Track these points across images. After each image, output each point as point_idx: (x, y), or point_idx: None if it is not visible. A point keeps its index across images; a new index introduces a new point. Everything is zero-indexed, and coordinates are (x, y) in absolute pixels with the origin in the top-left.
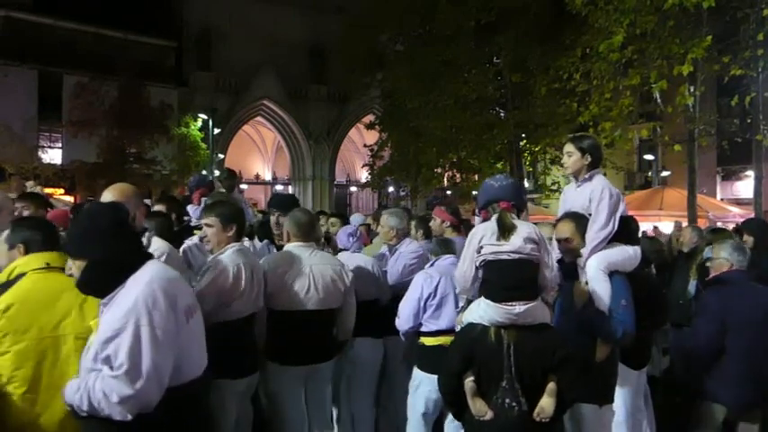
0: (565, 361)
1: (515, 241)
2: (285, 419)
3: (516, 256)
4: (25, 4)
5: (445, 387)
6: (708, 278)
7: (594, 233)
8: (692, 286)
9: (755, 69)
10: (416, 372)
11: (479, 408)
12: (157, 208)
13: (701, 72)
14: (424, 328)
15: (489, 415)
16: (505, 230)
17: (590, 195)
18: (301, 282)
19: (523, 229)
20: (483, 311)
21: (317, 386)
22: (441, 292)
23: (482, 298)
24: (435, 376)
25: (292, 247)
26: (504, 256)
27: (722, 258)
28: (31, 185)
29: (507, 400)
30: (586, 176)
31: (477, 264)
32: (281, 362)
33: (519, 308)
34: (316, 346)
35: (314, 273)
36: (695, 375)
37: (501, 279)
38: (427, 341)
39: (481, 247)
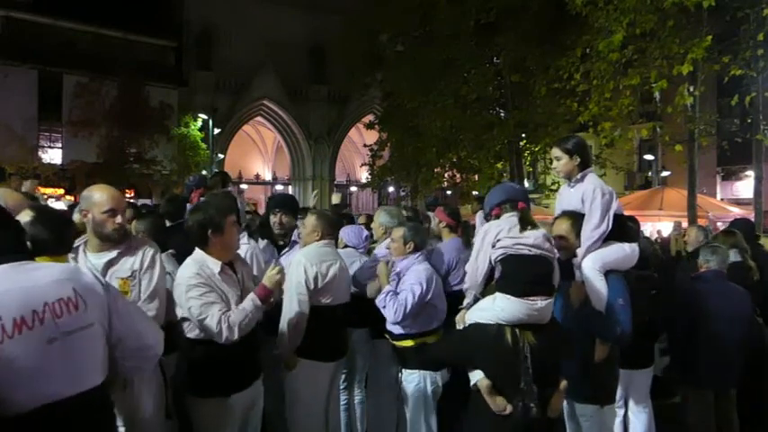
0: (568, 357)
1: (537, 235)
2: (311, 418)
3: (537, 251)
4: (25, 4)
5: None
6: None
7: (589, 232)
8: None
9: (755, 69)
10: (414, 372)
11: (499, 404)
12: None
13: (701, 72)
14: (407, 330)
15: (509, 409)
16: (527, 224)
17: (582, 196)
18: (341, 276)
19: (540, 229)
20: (501, 309)
21: (338, 382)
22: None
23: (498, 295)
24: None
25: (323, 243)
26: (526, 251)
27: (701, 260)
28: (27, 186)
29: (526, 402)
30: (578, 177)
31: (495, 258)
32: (321, 359)
33: (540, 302)
34: (344, 340)
35: (344, 268)
36: (681, 365)
37: (523, 273)
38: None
39: (498, 241)
